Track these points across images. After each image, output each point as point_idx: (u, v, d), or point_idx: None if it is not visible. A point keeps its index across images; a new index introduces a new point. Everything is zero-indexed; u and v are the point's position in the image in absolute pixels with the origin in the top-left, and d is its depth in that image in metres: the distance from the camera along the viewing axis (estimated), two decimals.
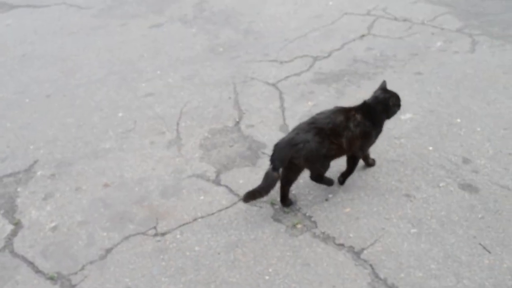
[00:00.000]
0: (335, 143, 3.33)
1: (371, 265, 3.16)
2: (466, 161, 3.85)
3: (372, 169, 3.88)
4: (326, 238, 3.36)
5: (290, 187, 3.56)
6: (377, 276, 3.09)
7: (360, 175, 3.83)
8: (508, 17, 6.01)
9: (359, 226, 3.41)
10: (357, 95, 4.75)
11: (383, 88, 3.60)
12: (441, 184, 3.66)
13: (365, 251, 3.25)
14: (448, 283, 3.02)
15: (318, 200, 3.65)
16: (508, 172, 3.74)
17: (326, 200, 3.65)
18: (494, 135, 4.13)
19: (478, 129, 4.23)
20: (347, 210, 3.55)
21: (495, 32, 5.70)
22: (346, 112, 3.42)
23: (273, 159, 3.35)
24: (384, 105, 3.55)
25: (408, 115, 4.43)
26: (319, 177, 3.61)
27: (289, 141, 3.31)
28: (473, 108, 4.48)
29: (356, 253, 3.24)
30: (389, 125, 4.25)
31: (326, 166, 3.51)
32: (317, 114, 3.44)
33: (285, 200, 3.59)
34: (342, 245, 3.30)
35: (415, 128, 4.27)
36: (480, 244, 3.23)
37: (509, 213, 3.41)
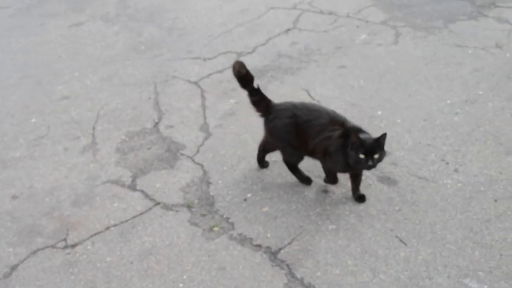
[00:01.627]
0: (300, 136, 3.28)
1: (288, 265, 3.08)
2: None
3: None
4: (243, 240, 3.25)
5: (265, 155, 3.74)
6: (293, 276, 3.01)
7: (280, 172, 3.74)
8: (431, 9, 6.07)
9: (277, 226, 3.31)
10: (280, 91, 4.67)
11: (376, 139, 3.06)
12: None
13: (282, 251, 3.16)
14: (365, 279, 2.96)
15: (236, 201, 3.53)
16: (426, 162, 3.73)
17: (245, 200, 3.54)
18: (414, 127, 4.12)
19: (399, 120, 4.21)
20: (266, 209, 3.45)
21: (418, 24, 5.75)
22: (333, 122, 3.23)
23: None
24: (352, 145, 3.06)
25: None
26: (289, 165, 3.59)
27: (277, 106, 3.41)
28: (395, 100, 4.47)
29: (273, 254, 3.14)
30: None
31: (290, 153, 3.50)
32: (313, 105, 3.41)
33: (261, 163, 3.79)
34: (259, 246, 3.20)
35: None
36: (396, 236, 3.18)
37: (425, 204, 3.39)
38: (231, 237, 3.29)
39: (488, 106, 4.31)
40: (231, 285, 2.99)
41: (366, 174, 3.62)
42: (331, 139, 3.14)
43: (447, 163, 3.71)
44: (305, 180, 3.60)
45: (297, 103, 3.37)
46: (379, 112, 4.31)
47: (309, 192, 3.56)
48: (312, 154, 3.34)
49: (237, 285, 2.99)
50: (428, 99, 4.42)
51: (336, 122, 3.20)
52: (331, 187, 3.57)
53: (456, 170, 3.65)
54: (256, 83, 3.42)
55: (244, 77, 3.39)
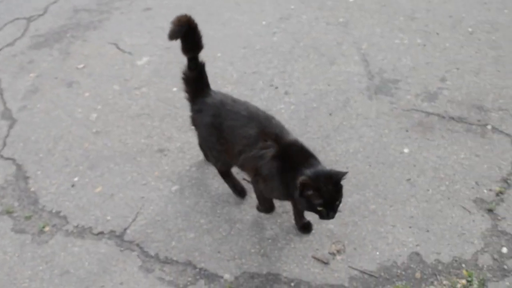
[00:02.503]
0: (224, 143, 2.58)
1: (138, 245, 2.77)
2: None
3: (116, 131, 3.43)
4: (82, 232, 2.85)
5: None
6: (147, 254, 2.70)
7: (105, 143, 3.31)
8: None
9: (116, 204, 2.94)
10: (84, 51, 4.16)
11: (335, 183, 2.21)
12: (193, 127, 3.30)
13: (128, 231, 2.82)
14: (222, 233, 2.75)
15: (63, 189, 3.08)
16: (255, 92, 3.58)
17: (73, 186, 3.10)
18: (235, 57, 3.89)
19: (219, 54, 3.95)
20: (99, 189, 3.05)
21: None
22: (264, 134, 2.41)
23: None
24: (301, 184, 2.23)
25: (144, 59, 3.98)
26: (218, 171, 2.90)
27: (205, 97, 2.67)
28: (210, 32, 4.17)
29: (119, 237, 2.79)
30: (126, 76, 3.76)
31: (216, 158, 2.77)
32: (246, 107, 2.55)
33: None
34: (101, 233, 2.82)
35: (154, 71, 3.84)
36: (244, 179, 2.98)
37: None
38: (67, 233, 2.87)
39: (302, 19, 4.19)
40: (80, 287, 2.59)
41: None
42: (263, 159, 2.37)
43: (276, 88, 3.55)
44: (239, 193, 2.91)
45: (227, 99, 2.58)
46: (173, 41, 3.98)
47: (142, 156, 3.20)
48: (242, 169, 2.67)
49: (88, 286, 2.59)
50: (243, 25, 4.19)
51: (268, 135, 2.39)
52: (166, 144, 3.25)
53: (286, 93, 3.51)
54: (202, 59, 2.63)
55: (193, 31, 2.49)
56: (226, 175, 2.89)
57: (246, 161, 2.46)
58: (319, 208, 2.20)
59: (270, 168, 2.35)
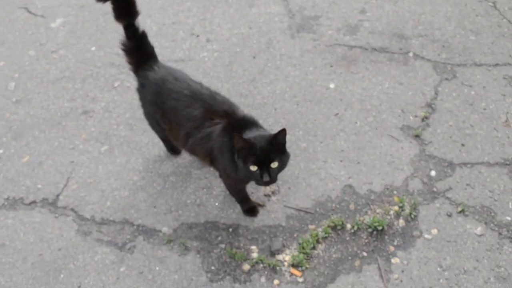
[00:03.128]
0: (169, 124, 2.42)
1: (72, 209, 2.72)
2: None
3: (37, 97, 3.29)
4: (14, 204, 2.78)
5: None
6: (83, 218, 2.66)
7: (27, 111, 3.18)
8: None
9: (45, 172, 2.86)
10: None
11: (271, 139, 2.07)
12: (116, 84, 3.24)
13: (60, 197, 2.76)
14: (156, 188, 2.74)
15: None
16: (176, 43, 3.50)
17: None
18: (152, 9, 3.75)
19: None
20: (26, 159, 2.95)
21: None
22: (211, 112, 2.25)
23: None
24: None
25: (58, 21, 3.80)
26: (162, 141, 2.83)
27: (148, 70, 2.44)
28: None
29: (52, 204, 2.73)
30: (41, 40, 3.60)
31: (161, 134, 2.70)
32: (188, 85, 2.34)
33: (171, 148, 2.89)
34: (34, 202, 2.75)
35: (71, 32, 3.69)
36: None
37: None
38: None
39: None
40: (17, 261, 2.54)
41: (119, 78, 3.24)
42: (212, 138, 2.23)
43: (198, 36, 3.49)
44: (172, 150, 2.87)
45: (169, 77, 2.36)
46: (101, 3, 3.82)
47: (66, 120, 3.11)
48: (193, 154, 2.49)
49: (25, 257, 2.55)
50: None
51: (214, 113, 2.23)
52: (91, 105, 3.15)
53: (208, 40, 3.45)
54: (141, 27, 2.40)
55: None
56: (164, 142, 2.83)
57: (196, 144, 2.31)
58: (252, 168, 2.03)
59: (220, 145, 2.20)
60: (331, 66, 3.20)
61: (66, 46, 3.57)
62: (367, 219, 2.52)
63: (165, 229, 2.57)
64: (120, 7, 2.30)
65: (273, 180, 2.07)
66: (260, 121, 2.26)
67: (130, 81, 3.25)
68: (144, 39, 2.40)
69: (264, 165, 2.02)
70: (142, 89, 2.46)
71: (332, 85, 3.11)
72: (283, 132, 2.02)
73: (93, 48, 3.50)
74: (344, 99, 3.02)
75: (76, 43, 3.57)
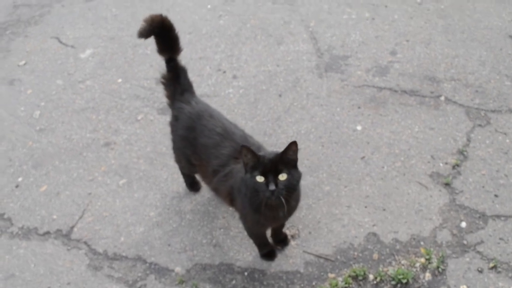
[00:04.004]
0: (197, 158, 2.36)
1: (85, 243, 2.65)
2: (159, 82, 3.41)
3: (61, 127, 3.28)
4: (27, 233, 2.72)
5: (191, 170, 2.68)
6: (95, 252, 2.59)
7: (50, 140, 3.16)
8: None
9: (62, 202, 2.81)
10: (27, 47, 3.97)
11: (280, 153, 1.99)
12: (139, 117, 3.20)
13: (75, 229, 2.70)
14: (172, 225, 2.65)
15: (7, 191, 2.96)
16: (203, 78, 3.46)
17: (17, 186, 2.97)
18: (181, 43, 3.72)
19: None
20: (44, 188, 2.91)
21: None
22: (239, 153, 2.11)
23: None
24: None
25: (88, 52, 3.82)
26: (183, 176, 2.76)
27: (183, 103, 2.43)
28: None
29: (66, 236, 2.66)
30: (69, 70, 3.62)
31: (187, 168, 2.61)
32: (222, 124, 2.30)
33: (191, 185, 2.84)
34: (48, 233, 2.69)
35: (99, 64, 3.69)
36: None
37: None
38: (12, 235, 2.73)
39: (248, 0, 4.06)
40: None
41: (144, 111, 3.24)
42: (232, 176, 2.17)
43: (224, 72, 3.44)
44: (191, 186, 2.80)
45: (205, 113, 2.33)
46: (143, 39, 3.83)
47: (88, 151, 3.08)
48: (216, 194, 2.42)
49: None
50: (187, 9, 4.07)
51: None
52: (113, 137, 3.12)
53: (234, 77, 3.40)
54: (183, 63, 2.45)
55: (167, 31, 2.31)
56: (187, 181, 2.77)
57: (219, 182, 2.24)
58: (259, 179, 1.92)
59: (240, 183, 2.11)
60: (359, 108, 3.11)
61: (94, 77, 3.57)
62: (391, 270, 2.37)
63: (178, 269, 2.48)
64: (162, 43, 2.34)
65: (280, 192, 1.92)
66: None
67: (154, 114, 3.21)
68: (184, 73, 2.43)
69: (271, 175, 1.91)
70: (175, 122, 2.42)
71: (359, 127, 3.01)
72: (293, 145, 1.92)
73: (120, 80, 3.49)
74: (372, 142, 2.91)
75: (103, 74, 3.57)
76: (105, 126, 3.22)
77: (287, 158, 1.95)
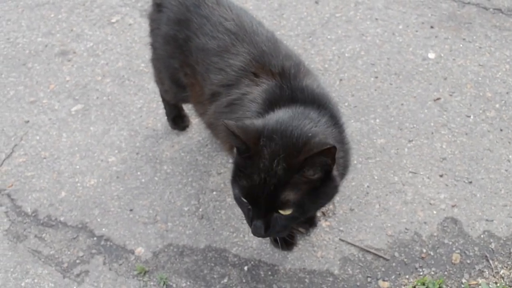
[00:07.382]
0: (189, 71, 1.55)
1: (9, 195, 1.88)
2: None
3: (6, 26, 2.52)
4: None
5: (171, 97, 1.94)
6: (20, 211, 1.88)
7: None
8: None
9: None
10: None
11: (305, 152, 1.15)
12: (113, 19, 2.58)
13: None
14: (140, 179, 1.89)
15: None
16: None
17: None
18: None
19: None
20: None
21: None
22: (260, 68, 1.38)
23: None
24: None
25: None
26: (165, 105, 1.94)
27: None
28: None
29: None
30: None
31: (170, 90, 1.74)
32: (238, 16, 1.47)
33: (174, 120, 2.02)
34: None
35: None
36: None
37: None
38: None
39: None
40: None
41: (125, 8, 2.41)
42: (242, 106, 1.40)
43: None
44: (174, 122, 1.96)
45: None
46: None
47: (35, 62, 2.22)
48: (211, 131, 1.61)
49: None
50: None
51: (266, 66, 1.38)
52: (72, 45, 2.31)
53: None
54: None
55: None
56: (168, 110, 1.94)
57: (218, 114, 1.44)
58: (243, 199, 1.17)
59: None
60: (432, 28, 2.33)
61: None
62: (483, 283, 1.52)
63: (140, 250, 1.69)
64: None
65: (271, 233, 1.19)
66: None
67: (135, 17, 2.58)
68: None
69: (260, 204, 1.14)
70: (157, 13, 1.60)
71: (432, 55, 2.24)
72: (328, 151, 1.08)
73: None
74: (450, 78, 2.13)
75: None
76: (64, 29, 2.50)
77: (306, 169, 1.11)
